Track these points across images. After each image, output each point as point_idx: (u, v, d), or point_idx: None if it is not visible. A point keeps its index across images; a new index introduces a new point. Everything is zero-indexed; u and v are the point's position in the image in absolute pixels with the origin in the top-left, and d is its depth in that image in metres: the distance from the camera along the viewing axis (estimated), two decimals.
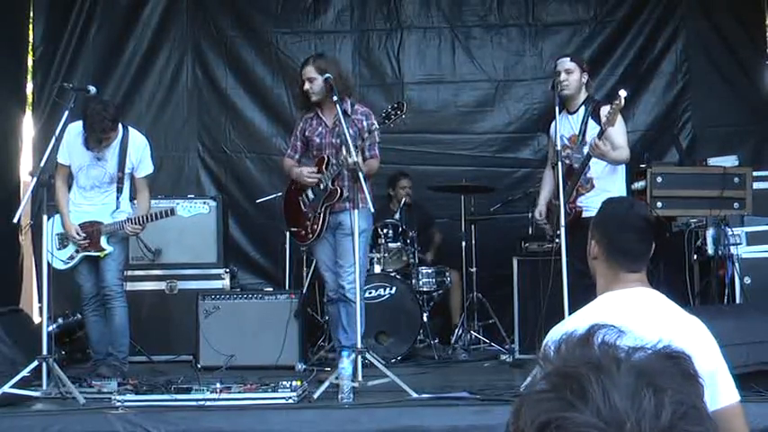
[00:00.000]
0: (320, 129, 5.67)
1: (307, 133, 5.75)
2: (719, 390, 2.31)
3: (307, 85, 5.63)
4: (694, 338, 2.28)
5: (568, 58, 5.65)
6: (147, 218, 5.75)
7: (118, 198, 5.79)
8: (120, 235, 5.79)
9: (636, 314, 2.28)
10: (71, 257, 5.79)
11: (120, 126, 5.76)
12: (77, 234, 5.69)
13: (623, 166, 5.49)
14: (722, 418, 2.25)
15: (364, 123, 5.57)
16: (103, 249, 5.73)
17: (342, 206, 5.61)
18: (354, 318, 5.39)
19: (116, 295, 5.77)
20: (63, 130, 5.50)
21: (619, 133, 5.36)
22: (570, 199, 5.37)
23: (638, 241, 2.54)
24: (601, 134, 5.17)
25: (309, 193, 5.70)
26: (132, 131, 5.87)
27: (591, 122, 5.44)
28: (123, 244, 5.89)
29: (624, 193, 5.42)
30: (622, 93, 5.12)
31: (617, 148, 5.32)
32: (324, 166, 5.63)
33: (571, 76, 5.50)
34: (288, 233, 6.24)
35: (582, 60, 5.80)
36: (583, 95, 5.57)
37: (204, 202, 6.04)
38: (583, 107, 5.49)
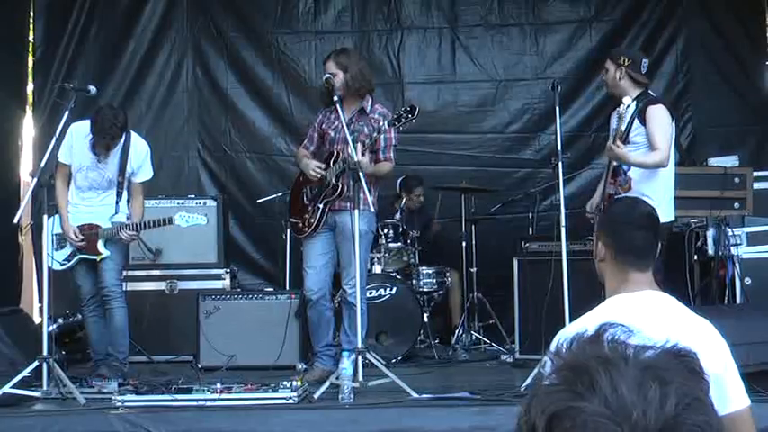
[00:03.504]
0: (337, 123, 5.61)
1: (323, 126, 5.73)
2: (728, 394, 2.27)
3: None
4: (703, 341, 2.26)
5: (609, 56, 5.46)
6: (143, 225, 5.73)
7: (117, 202, 5.77)
8: (118, 238, 5.78)
9: (644, 317, 2.26)
10: (68, 259, 5.78)
11: None
12: (75, 236, 5.68)
13: (668, 171, 5.19)
14: (730, 423, 2.22)
15: (381, 124, 5.51)
16: (100, 253, 5.71)
17: (342, 205, 5.59)
18: (356, 320, 5.39)
19: (115, 296, 5.76)
20: (63, 130, 5.50)
21: (658, 134, 5.11)
22: (606, 196, 5.25)
23: (644, 239, 2.54)
24: (615, 138, 5.06)
25: (314, 186, 5.67)
26: (134, 136, 5.85)
27: (636, 122, 5.20)
28: (122, 245, 5.87)
29: (663, 200, 5.06)
30: (626, 100, 5.05)
31: (655, 149, 5.10)
32: (332, 162, 5.60)
33: (607, 74, 5.36)
34: (288, 226, 6.16)
35: (618, 55, 5.42)
36: (634, 90, 5.28)
37: (204, 212, 6.03)
38: (633, 104, 5.20)
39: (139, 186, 5.86)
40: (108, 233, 5.70)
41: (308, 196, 5.69)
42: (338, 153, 5.57)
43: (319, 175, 5.59)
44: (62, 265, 5.77)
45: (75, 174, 5.76)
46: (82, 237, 5.69)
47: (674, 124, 5.33)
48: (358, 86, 5.55)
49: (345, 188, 5.53)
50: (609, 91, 5.41)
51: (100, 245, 5.71)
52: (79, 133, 5.66)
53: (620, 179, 5.20)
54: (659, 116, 5.16)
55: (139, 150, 5.80)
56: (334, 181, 5.55)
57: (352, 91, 5.57)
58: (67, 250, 5.77)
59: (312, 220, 5.63)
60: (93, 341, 5.92)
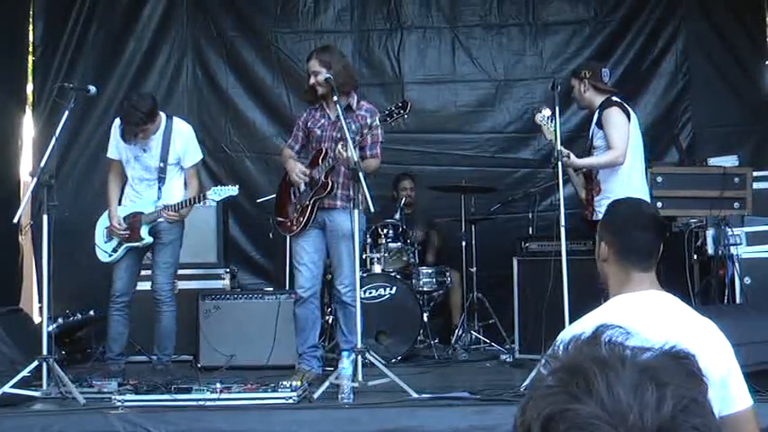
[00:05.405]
0: (323, 121, 5.62)
1: (309, 124, 5.70)
2: (732, 394, 2.27)
3: (312, 79, 5.56)
4: (706, 342, 2.25)
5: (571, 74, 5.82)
6: (181, 204, 5.75)
7: (160, 188, 5.79)
8: (170, 237, 5.79)
9: (648, 317, 2.25)
10: (115, 249, 5.84)
11: (163, 116, 5.80)
12: (119, 225, 5.75)
13: (628, 166, 5.44)
14: (734, 423, 2.22)
15: (368, 120, 5.49)
16: (143, 238, 5.76)
17: (332, 203, 5.56)
18: (351, 320, 5.37)
19: (165, 299, 5.82)
20: (63, 130, 5.51)
21: (613, 134, 5.37)
22: (585, 202, 5.53)
23: (648, 239, 2.53)
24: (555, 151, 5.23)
25: (302, 184, 5.63)
26: (176, 121, 5.89)
27: (596, 128, 5.50)
28: (174, 248, 5.86)
29: (626, 194, 5.37)
30: (546, 111, 5.19)
31: (611, 148, 5.37)
32: (320, 159, 5.57)
33: (574, 91, 5.69)
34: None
35: (579, 70, 5.82)
36: (600, 98, 5.60)
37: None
38: (597, 111, 5.54)
39: (192, 170, 5.88)
40: (150, 218, 5.75)
41: (296, 194, 5.65)
42: (327, 151, 5.55)
43: (302, 181, 5.57)
44: (110, 255, 5.85)
45: (126, 167, 5.86)
46: (126, 226, 5.76)
47: (632, 122, 5.54)
48: (342, 83, 5.50)
49: (334, 185, 5.52)
50: (580, 106, 5.72)
51: (143, 230, 5.77)
52: (117, 127, 5.73)
53: (594, 182, 5.41)
54: (612, 117, 5.44)
55: (182, 134, 5.83)
56: (323, 178, 5.53)
57: (337, 88, 5.53)
58: (115, 241, 5.85)
59: (301, 219, 5.59)
60: (110, 338, 5.89)
